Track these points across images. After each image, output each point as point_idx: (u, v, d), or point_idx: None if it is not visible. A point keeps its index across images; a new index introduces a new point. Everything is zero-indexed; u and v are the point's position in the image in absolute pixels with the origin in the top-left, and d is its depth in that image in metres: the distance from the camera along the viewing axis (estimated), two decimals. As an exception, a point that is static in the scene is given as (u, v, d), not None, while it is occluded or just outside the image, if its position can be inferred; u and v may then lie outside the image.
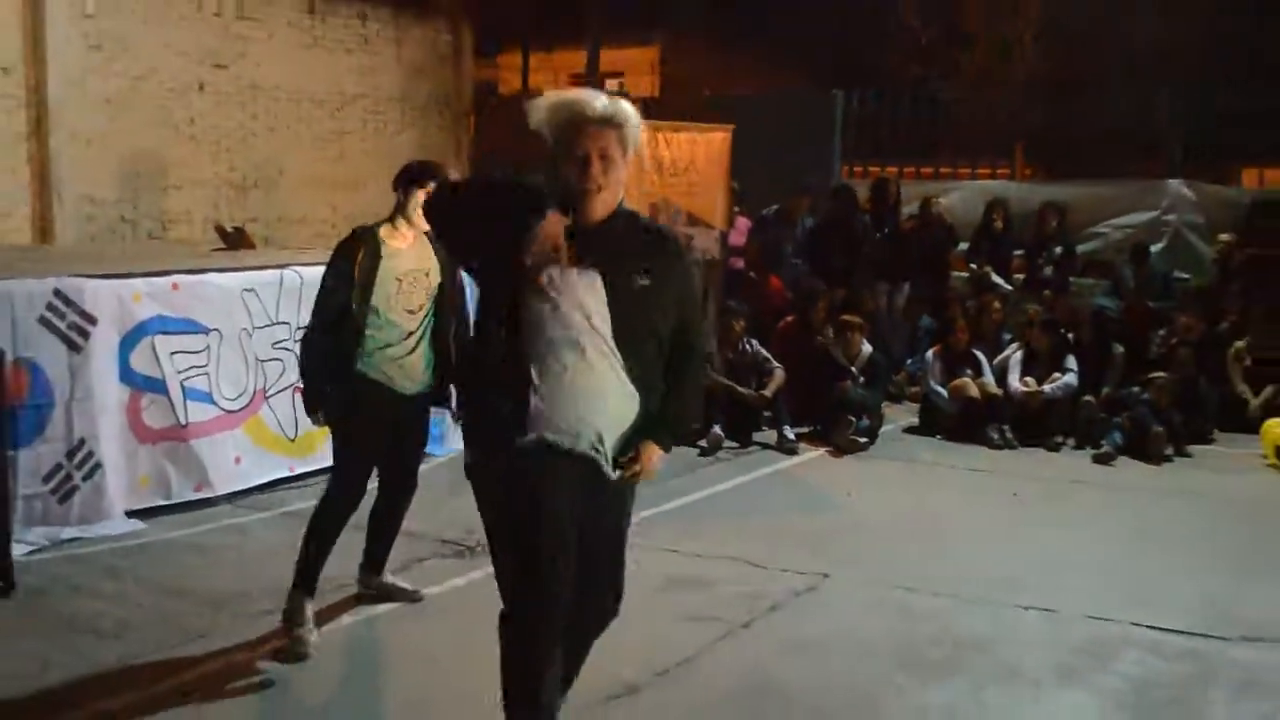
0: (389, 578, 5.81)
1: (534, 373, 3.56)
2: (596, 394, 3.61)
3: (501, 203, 3.66)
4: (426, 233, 5.29)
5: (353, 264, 5.22)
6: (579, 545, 3.69)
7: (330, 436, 5.44)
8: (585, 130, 3.50)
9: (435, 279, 5.40)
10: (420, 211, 5.14)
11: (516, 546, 3.66)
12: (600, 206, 3.58)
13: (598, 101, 3.54)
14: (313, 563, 5.28)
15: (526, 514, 3.60)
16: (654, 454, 3.76)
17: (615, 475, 3.70)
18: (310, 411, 5.42)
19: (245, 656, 5.15)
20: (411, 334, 5.31)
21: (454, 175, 3.81)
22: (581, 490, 3.66)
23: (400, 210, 5.35)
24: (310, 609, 5.25)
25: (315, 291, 5.40)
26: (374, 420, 5.28)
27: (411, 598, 5.80)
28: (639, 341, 3.65)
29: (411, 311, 5.30)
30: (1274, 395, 10.06)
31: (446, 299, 5.47)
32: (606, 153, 3.51)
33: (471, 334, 3.77)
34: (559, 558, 3.59)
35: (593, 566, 3.79)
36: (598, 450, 3.66)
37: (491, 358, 3.66)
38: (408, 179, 5.34)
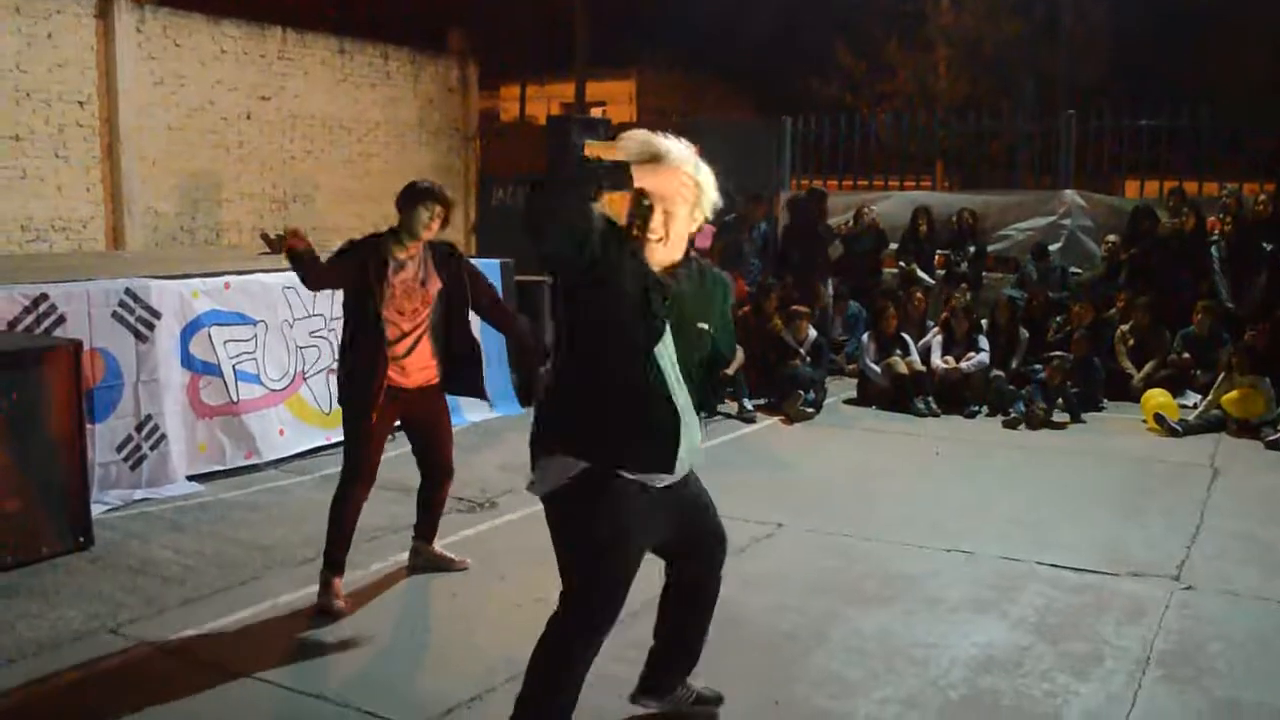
0: (437, 548, 5.50)
1: (654, 402, 3.32)
2: (688, 417, 3.45)
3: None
4: (426, 243, 5.03)
5: (368, 260, 4.87)
6: (687, 529, 3.60)
7: (343, 428, 5.05)
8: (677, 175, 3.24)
9: (435, 287, 5.03)
10: (421, 226, 4.90)
11: (595, 576, 3.30)
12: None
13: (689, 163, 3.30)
14: (339, 545, 5.00)
15: (613, 550, 3.29)
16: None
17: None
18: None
19: (290, 595, 5.12)
20: (407, 335, 4.98)
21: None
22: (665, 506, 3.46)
23: (405, 226, 4.95)
24: (338, 584, 4.99)
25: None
26: (382, 415, 4.94)
27: (457, 566, 5.44)
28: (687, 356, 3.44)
29: (403, 314, 4.95)
30: (1153, 370, 10.09)
31: (451, 305, 5.11)
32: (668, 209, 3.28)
33: (573, 363, 3.29)
34: (623, 591, 3.36)
35: (701, 534, 3.69)
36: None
37: (609, 388, 3.26)
38: (411, 198, 4.95)
